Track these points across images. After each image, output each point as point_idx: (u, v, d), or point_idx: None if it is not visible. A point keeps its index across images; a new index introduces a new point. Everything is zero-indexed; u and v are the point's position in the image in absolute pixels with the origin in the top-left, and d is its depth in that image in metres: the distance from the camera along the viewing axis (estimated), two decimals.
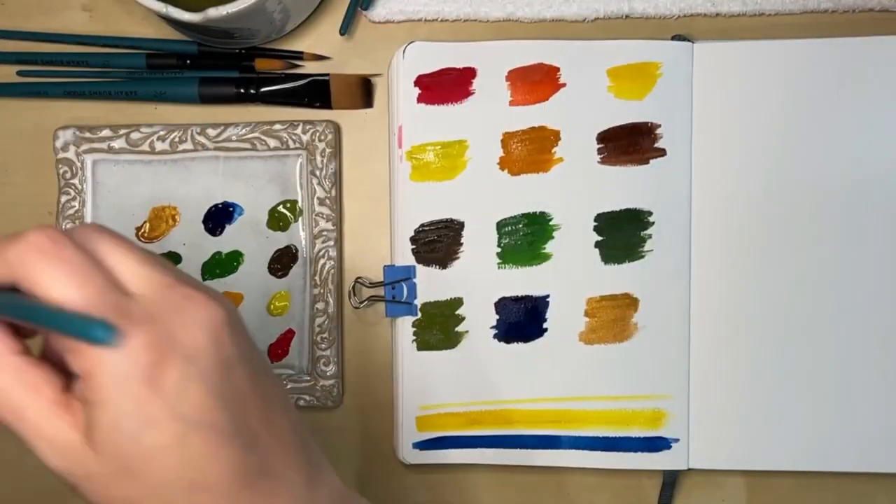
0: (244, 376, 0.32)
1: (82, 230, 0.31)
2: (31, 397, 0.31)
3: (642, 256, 0.51)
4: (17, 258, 0.30)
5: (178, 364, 0.30)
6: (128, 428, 0.30)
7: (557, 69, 0.51)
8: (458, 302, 0.51)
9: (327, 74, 0.52)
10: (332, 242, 0.52)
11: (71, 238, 0.30)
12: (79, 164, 0.52)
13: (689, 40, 0.51)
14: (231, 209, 0.53)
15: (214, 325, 0.31)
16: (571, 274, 0.51)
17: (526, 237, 0.51)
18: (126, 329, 0.29)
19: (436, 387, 0.51)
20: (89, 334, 0.27)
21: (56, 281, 0.29)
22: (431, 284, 0.51)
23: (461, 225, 0.51)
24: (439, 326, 0.51)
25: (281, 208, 0.52)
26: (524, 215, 0.51)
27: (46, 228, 0.30)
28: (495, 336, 0.51)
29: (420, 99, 0.51)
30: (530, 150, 0.51)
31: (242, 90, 0.52)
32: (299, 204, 0.52)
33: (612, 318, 0.51)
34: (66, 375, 0.31)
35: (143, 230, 0.53)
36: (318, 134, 0.52)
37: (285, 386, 0.35)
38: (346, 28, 0.52)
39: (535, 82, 0.51)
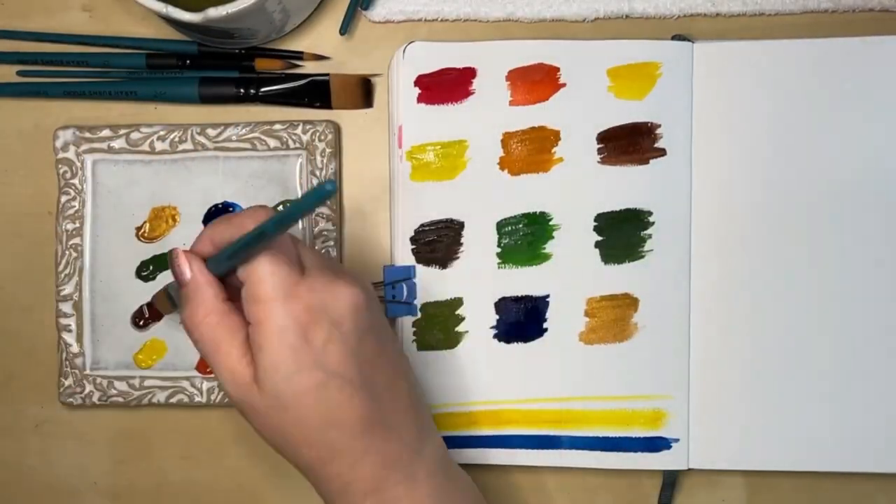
0: (373, 344, 0.41)
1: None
2: (228, 337, 0.40)
3: (642, 256, 0.51)
4: (246, 223, 0.40)
5: (325, 326, 0.39)
6: (283, 370, 0.38)
7: (557, 69, 0.51)
8: (458, 302, 0.51)
9: (327, 74, 0.52)
10: (332, 242, 0.52)
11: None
12: (79, 164, 0.52)
13: (689, 40, 0.51)
14: (231, 209, 0.53)
15: (355, 302, 0.40)
16: (571, 274, 0.51)
17: (526, 237, 0.51)
18: (294, 294, 0.38)
19: (436, 387, 0.51)
20: (324, 190, 0.34)
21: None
22: (431, 284, 0.51)
23: (461, 225, 0.51)
24: (439, 326, 0.51)
25: (281, 208, 0.52)
26: (524, 215, 0.51)
27: (267, 210, 0.41)
28: (495, 336, 0.51)
29: (420, 99, 0.51)
30: (530, 150, 0.51)
31: (242, 90, 0.52)
32: None
33: (612, 318, 0.51)
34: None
35: (143, 230, 0.53)
36: (318, 134, 0.52)
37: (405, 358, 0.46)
38: (345, 28, 0.52)
39: (535, 82, 0.51)
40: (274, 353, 0.38)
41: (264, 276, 0.39)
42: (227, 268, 0.40)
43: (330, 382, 0.39)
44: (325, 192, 0.34)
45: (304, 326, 0.38)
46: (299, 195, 0.52)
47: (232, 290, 0.41)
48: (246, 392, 0.40)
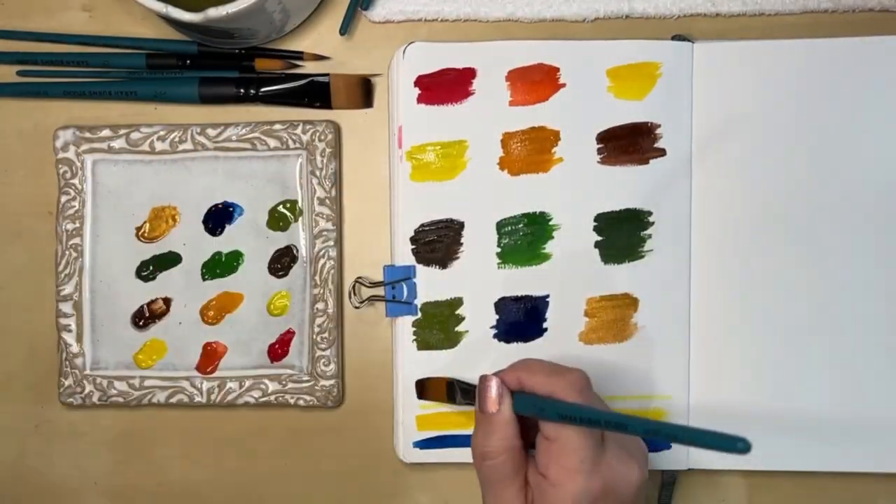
0: None
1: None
2: (511, 476, 0.43)
3: (642, 256, 0.51)
4: (563, 389, 0.42)
5: (611, 501, 0.41)
6: None
7: (557, 69, 0.51)
8: (458, 302, 0.51)
9: (327, 74, 0.52)
10: (332, 242, 0.52)
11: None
12: (79, 164, 0.52)
13: (689, 40, 0.51)
14: (231, 209, 0.53)
15: (638, 485, 0.42)
16: (571, 274, 0.51)
17: (526, 237, 0.51)
18: (596, 471, 0.41)
19: None
20: (731, 446, 0.34)
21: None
22: (431, 284, 0.51)
23: (461, 225, 0.51)
24: (439, 326, 0.51)
25: (281, 208, 0.52)
26: (524, 215, 0.51)
27: (583, 376, 0.43)
28: (495, 336, 0.51)
29: (420, 99, 0.51)
30: (530, 150, 0.51)
31: (242, 90, 0.52)
32: (299, 204, 0.52)
33: (612, 318, 0.51)
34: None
35: (143, 230, 0.53)
36: (318, 134, 0.52)
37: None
38: (345, 28, 0.52)
39: (535, 82, 0.51)
40: None
41: (575, 447, 0.41)
42: (533, 415, 0.42)
43: None
44: (735, 448, 0.34)
45: (595, 500, 0.41)
46: (299, 194, 0.52)
47: (524, 426, 0.44)
48: None
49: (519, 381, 0.43)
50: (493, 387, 0.43)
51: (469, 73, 0.51)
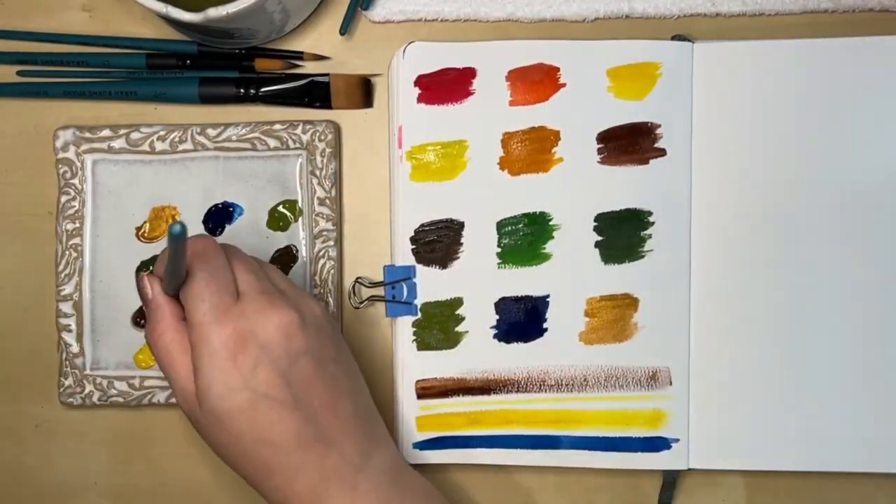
0: (309, 365, 0.42)
1: (227, 246, 0.44)
2: (180, 355, 0.42)
3: (642, 256, 0.51)
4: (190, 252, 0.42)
5: (254, 350, 0.41)
6: (215, 391, 0.41)
7: (557, 69, 0.51)
8: (458, 302, 0.51)
9: (327, 74, 0.52)
10: (332, 242, 0.52)
11: (218, 246, 0.44)
12: (79, 164, 0.52)
13: (689, 40, 0.51)
14: (231, 209, 0.53)
15: (286, 327, 0.41)
16: (571, 274, 0.51)
17: (526, 237, 0.51)
18: (223, 320, 0.41)
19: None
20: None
21: (200, 270, 0.42)
22: (431, 284, 0.51)
23: (461, 225, 0.51)
24: (439, 326, 0.51)
25: (281, 208, 0.52)
26: (524, 215, 0.51)
27: (206, 239, 0.44)
28: (495, 336, 0.51)
29: (420, 99, 0.51)
30: (530, 150, 0.51)
31: (242, 90, 0.52)
32: (299, 204, 0.52)
33: (612, 318, 0.51)
34: None
35: (143, 230, 0.53)
36: (318, 134, 0.52)
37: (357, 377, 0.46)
38: (345, 28, 0.52)
39: (535, 82, 0.51)
40: (206, 374, 0.41)
41: (197, 300, 0.41)
42: (173, 288, 0.43)
43: (259, 403, 0.41)
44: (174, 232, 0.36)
45: (232, 350, 0.41)
46: (299, 194, 0.52)
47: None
48: (191, 407, 0.42)
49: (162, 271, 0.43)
50: (143, 278, 0.44)
51: (469, 73, 0.51)
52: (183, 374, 0.42)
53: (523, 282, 0.51)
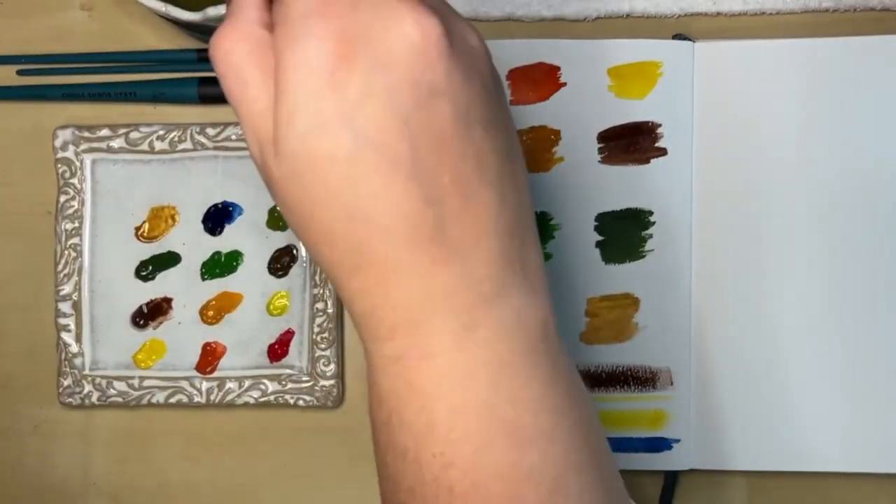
0: (449, 115, 0.27)
1: None
2: (259, 76, 0.28)
3: (643, 256, 0.51)
4: None
5: (367, 67, 0.26)
6: (300, 124, 0.27)
7: (558, 68, 0.51)
8: None
9: None
10: None
11: None
12: (78, 164, 0.52)
13: (689, 39, 0.51)
14: (231, 209, 0.52)
15: (422, 39, 0.26)
16: (572, 274, 0.51)
17: None
18: (327, 13, 0.26)
19: None
20: None
21: None
22: None
23: None
24: None
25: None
26: None
27: None
28: None
29: None
30: (531, 150, 0.51)
31: None
32: None
33: (613, 318, 0.51)
34: None
35: (142, 230, 0.53)
36: None
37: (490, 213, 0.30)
38: None
39: (536, 82, 0.51)
40: (290, 95, 0.27)
41: None
42: None
43: (362, 152, 0.27)
44: None
45: (333, 62, 0.26)
46: None
47: None
48: (265, 154, 0.29)
49: None
50: None
51: None
52: (259, 105, 0.28)
53: None
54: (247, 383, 0.52)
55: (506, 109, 0.30)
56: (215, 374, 0.52)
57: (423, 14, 0.26)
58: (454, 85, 0.27)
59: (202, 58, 0.53)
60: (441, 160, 0.27)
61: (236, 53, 0.28)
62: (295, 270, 0.52)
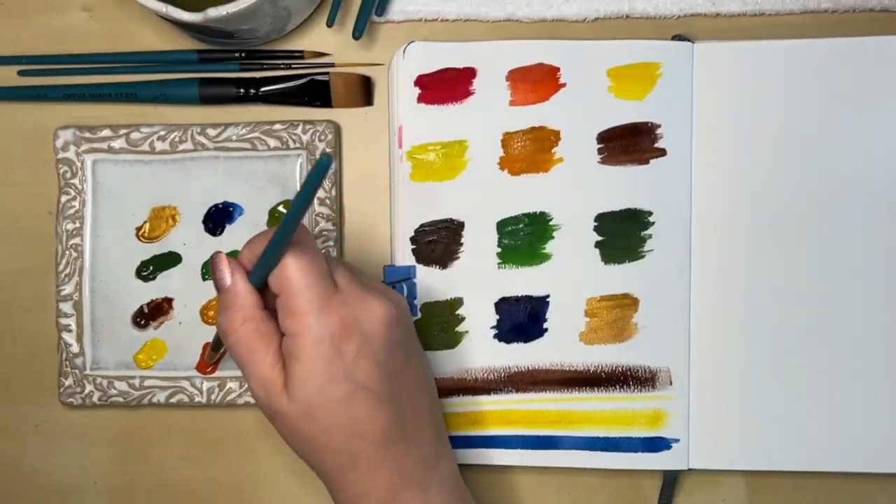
0: (401, 358, 0.42)
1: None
2: (262, 345, 0.41)
3: (642, 256, 0.51)
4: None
5: (357, 340, 0.40)
6: (316, 381, 0.40)
7: (557, 69, 0.51)
8: (458, 302, 0.51)
9: (327, 73, 0.52)
10: (332, 242, 0.52)
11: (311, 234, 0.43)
12: (79, 164, 0.52)
13: (689, 40, 0.51)
14: (231, 209, 0.53)
15: (387, 317, 0.41)
16: (571, 274, 0.51)
17: (526, 237, 0.51)
18: (328, 309, 0.39)
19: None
20: (320, 164, 0.34)
21: (299, 256, 0.40)
22: (431, 284, 0.51)
23: (461, 225, 0.51)
24: (439, 326, 0.51)
25: (281, 208, 0.52)
26: (524, 215, 0.51)
27: (301, 226, 0.40)
28: (495, 336, 0.51)
29: (420, 99, 0.51)
30: (530, 150, 0.51)
31: (242, 90, 0.52)
32: None
33: (613, 318, 0.51)
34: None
35: (143, 230, 0.53)
36: (318, 134, 0.52)
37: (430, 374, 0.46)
38: (361, 31, 0.51)
39: (536, 82, 0.51)
40: (308, 363, 0.40)
41: (299, 289, 0.39)
42: (262, 277, 0.41)
43: (358, 394, 0.40)
44: (322, 167, 0.34)
45: (337, 339, 0.40)
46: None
47: (268, 299, 0.42)
48: (276, 399, 0.41)
49: (249, 258, 0.42)
50: (222, 261, 0.41)
51: (469, 73, 0.51)
52: (265, 365, 0.41)
53: (523, 282, 0.51)
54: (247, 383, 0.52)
55: (416, 337, 0.45)
56: (216, 374, 0.52)
57: (384, 300, 0.41)
58: (402, 337, 0.42)
59: (203, 58, 0.53)
60: (400, 385, 0.42)
61: (245, 331, 0.41)
62: None
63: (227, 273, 0.41)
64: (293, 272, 0.39)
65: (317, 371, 0.40)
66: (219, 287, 0.42)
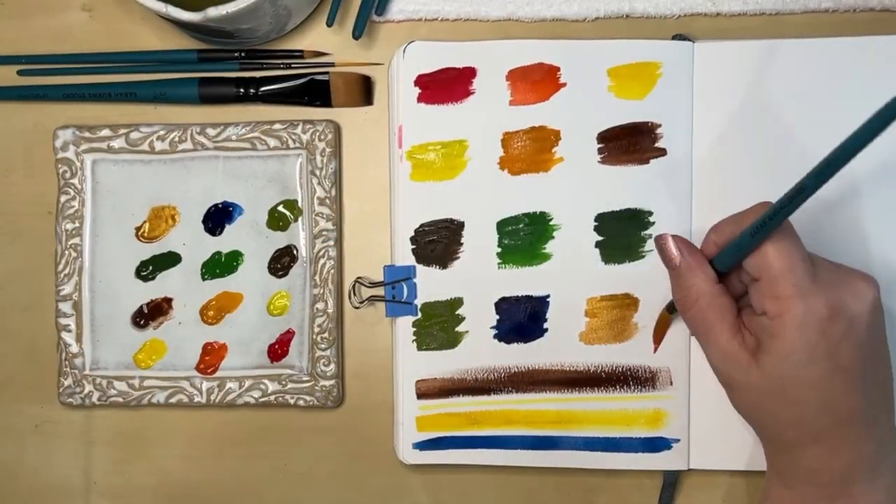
0: (879, 340, 0.43)
1: None
2: (719, 320, 0.43)
3: (642, 256, 0.51)
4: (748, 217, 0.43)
5: (844, 323, 0.41)
6: (795, 360, 0.41)
7: (558, 69, 0.51)
8: (458, 302, 0.51)
9: (327, 73, 0.52)
10: (332, 242, 0.52)
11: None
12: (78, 164, 0.52)
13: (689, 40, 0.51)
14: (231, 209, 0.53)
15: (874, 300, 0.42)
16: (571, 274, 0.51)
17: (526, 237, 0.51)
18: (815, 291, 0.40)
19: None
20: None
21: (782, 241, 0.41)
22: (431, 284, 0.51)
23: (461, 225, 0.51)
24: (439, 326, 0.51)
25: (281, 208, 0.52)
26: (524, 215, 0.51)
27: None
28: (495, 336, 0.51)
29: (420, 99, 0.51)
30: (530, 150, 0.51)
31: (242, 90, 0.52)
32: (299, 204, 0.52)
33: (613, 318, 0.51)
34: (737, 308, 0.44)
35: (142, 230, 0.53)
36: (318, 133, 0.52)
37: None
38: (361, 31, 0.51)
39: (536, 82, 0.51)
40: (789, 343, 0.41)
41: (781, 273, 0.41)
42: (736, 260, 0.43)
43: (836, 374, 0.41)
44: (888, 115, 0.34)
45: (824, 322, 0.40)
46: (299, 194, 0.52)
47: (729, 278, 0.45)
48: (739, 369, 0.43)
49: (716, 244, 0.45)
50: (669, 239, 0.45)
51: (469, 73, 0.51)
52: (724, 339, 0.43)
53: (523, 282, 0.51)
54: (247, 383, 0.52)
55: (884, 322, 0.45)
56: (216, 374, 0.52)
57: (869, 284, 0.42)
58: (880, 321, 0.42)
59: (202, 58, 0.53)
60: (874, 369, 0.42)
61: (700, 308, 0.44)
62: (295, 270, 0.52)
63: (674, 251, 0.45)
64: (775, 258, 0.41)
65: (798, 350, 0.41)
66: (669, 265, 0.45)
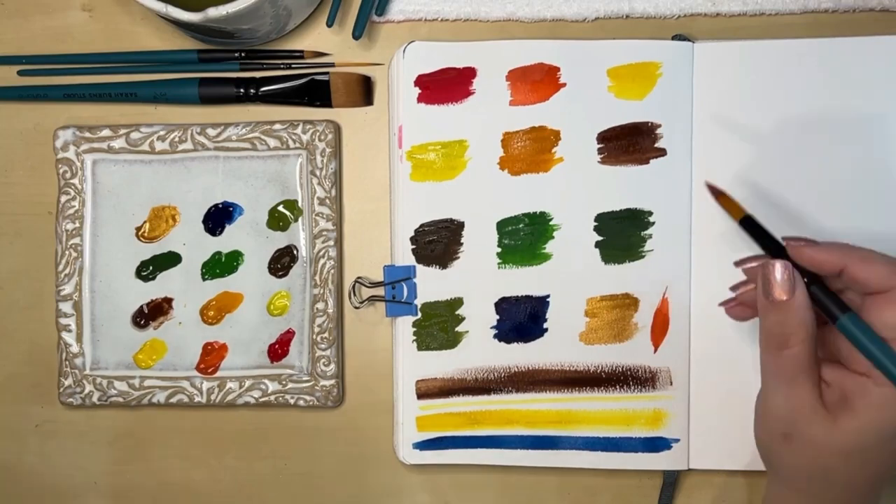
0: None
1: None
2: (807, 369, 0.40)
3: (642, 256, 0.51)
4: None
5: None
6: (867, 432, 0.39)
7: (557, 69, 0.51)
8: (458, 302, 0.51)
9: (327, 73, 0.52)
10: (332, 242, 0.52)
11: None
12: (78, 164, 0.52)
13: (689, 40, 0.51)
14: (231, 209, 0.53)
15: None
16: (571, 274, 0.51)
17: (526, 237, 0.51)
18: None
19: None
20: None
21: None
22: (431, 284, 0.51)
23: (461, 225, 0.51)
24: (439, 326, 0.51)
25: (281, 208, 0.52)
26: (524, 215, 0.51)
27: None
28: (495, 336, 0.51)
29: (420, 99, 0.51)
30: (530, 150, 0.51)
31: (242, 90, 0.52)
32: (299, 204, 0.52)
33: (613, 318, 0.51)
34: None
35: (142, 230, 0.53)
36: (318, 134, 0.52)
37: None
38: (361, 31, 0.51)
39: (536, 82, 0.51)
40: (863, 419, 0.39)
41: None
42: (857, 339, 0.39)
43: None
44: None
45: None
46: (299, 194, 0.52)
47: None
48: (807, 422, 0.40)
49: (842, 268, 0.40)
50: (779, 270, 0.40)
51: (469, 73, 0.51)
52: (807, 388, 0.40)
53: (523, 282, 0.51)
54: (247, 383, 0.52)
55: None
56: (216, 374, 0.52)
57: None
58: None
59: (203, 58, 0.53)
60: None
61: (799, 352, 0.40)
62: (295, 270, 0.52)
63: (784, 286, 0.40)
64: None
65: (872, 427, 0.39)
66: (774, 295, 0.40)
